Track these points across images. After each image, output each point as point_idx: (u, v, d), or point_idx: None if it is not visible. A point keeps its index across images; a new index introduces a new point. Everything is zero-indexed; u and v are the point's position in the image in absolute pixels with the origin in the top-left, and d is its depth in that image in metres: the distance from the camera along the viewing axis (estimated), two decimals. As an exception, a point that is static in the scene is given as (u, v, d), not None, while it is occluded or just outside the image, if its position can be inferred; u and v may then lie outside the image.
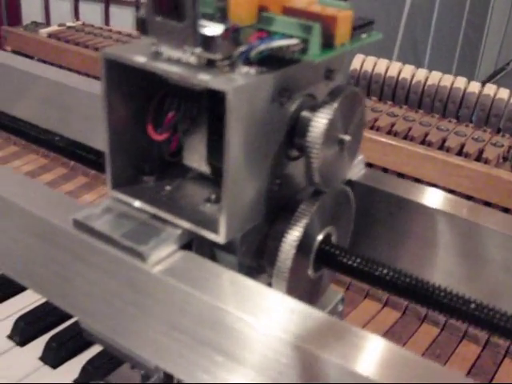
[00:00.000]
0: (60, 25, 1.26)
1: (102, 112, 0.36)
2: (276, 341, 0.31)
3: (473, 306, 0.35)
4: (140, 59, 0.33)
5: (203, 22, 0.32)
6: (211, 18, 0.33)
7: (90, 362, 0.58)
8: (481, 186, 0.77)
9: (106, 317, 0.37)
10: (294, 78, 0.36)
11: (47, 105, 0.59)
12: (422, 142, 0.85)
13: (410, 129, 0.87)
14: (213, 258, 0.38)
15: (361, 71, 0.96)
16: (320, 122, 0.35)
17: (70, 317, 0.64)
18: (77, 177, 0.98)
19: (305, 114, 0.37)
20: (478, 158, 0.82)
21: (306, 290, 0.41)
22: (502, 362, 0.68)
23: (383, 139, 0.83)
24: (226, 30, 0.32)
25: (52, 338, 0.60)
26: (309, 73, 0.37)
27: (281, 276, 0.37)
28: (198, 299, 0.33)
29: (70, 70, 1.07)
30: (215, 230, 0.35)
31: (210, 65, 0.33)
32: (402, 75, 0.93)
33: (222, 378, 0.32)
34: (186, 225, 0.36)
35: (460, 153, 0.83)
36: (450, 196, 0.45)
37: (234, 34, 0.32)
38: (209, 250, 0.38)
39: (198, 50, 0.33)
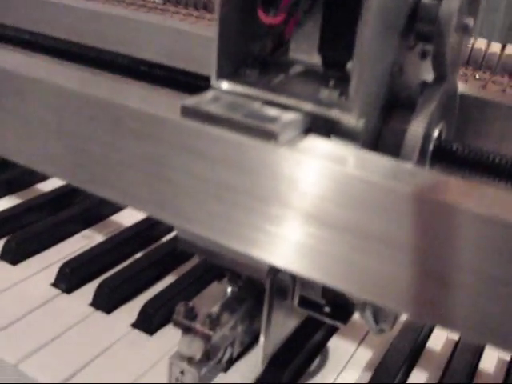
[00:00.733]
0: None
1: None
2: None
3: None
4: None
5: None
6: None
7: (149, 304, 0.55)
8: None
9: (216, 218, 0.34)
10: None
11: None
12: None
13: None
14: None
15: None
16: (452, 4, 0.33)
17: (119, 261, 0.61)
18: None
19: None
20: None
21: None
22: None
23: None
24: None
25: (103, 283, 0.56)
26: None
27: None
28: (344, 174, 0.30)
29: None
30: (348, 110, 0.32)
31: None
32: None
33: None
34: (310, 107, 0.33)
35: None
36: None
37: None
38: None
39: None
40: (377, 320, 0.44)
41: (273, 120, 0.32)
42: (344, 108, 0.32)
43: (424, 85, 0.37)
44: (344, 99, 0.33)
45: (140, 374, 0.48)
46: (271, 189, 0.32)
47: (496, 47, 0.89)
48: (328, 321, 0.47)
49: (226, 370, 0.48)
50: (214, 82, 0.36)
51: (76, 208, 0.70)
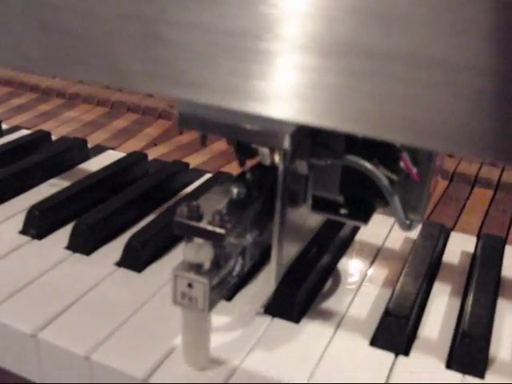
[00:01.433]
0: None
1: None
2: None
3: None
4: None
5: None
6: None
7: (135, 238, 0.48)
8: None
9: (217, 75, 0.28)
10: None
11: None
12: None
13: None
14: None
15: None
16: None
17: (93, 205, 0.53)
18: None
19: None
20: None
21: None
22: None
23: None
24: None
25: (80, 222, 0.49)
26: None
27: None
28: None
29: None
30: None
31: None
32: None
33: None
34: None
35: None
36: None
37: None
38: None
39: None
40: (405, 211, 0.39)
41: None
42: None
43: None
44: None
45: (133, 310, 0.42)
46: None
47: None
48: (347, 221, 0.41)
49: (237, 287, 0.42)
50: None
51: (42, 156, 0.62)
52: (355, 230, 0.56)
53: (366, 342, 0.41)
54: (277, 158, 0.36)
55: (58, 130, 0.77)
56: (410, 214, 0.40)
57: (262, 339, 0.40)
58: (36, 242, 0.50)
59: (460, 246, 0.55)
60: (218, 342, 0.39)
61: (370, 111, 0.25)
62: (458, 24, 0.23)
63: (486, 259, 0.50)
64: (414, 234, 0.56)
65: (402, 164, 0.37)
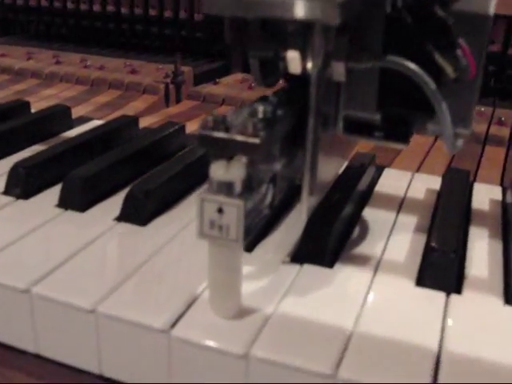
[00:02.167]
0: None
1: None
2: None
3: None
4: None
5: None
6: None
7: (137, 187, 0.42)
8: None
9: None
10: None
11: None
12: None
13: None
14: None
15: None
16: None
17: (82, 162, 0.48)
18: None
19: None
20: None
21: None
22: None
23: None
24: None
25: (72, 176, 0.43)
26: None
27: None
28: None
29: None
30: None
31: None
32: None
33: None
34: None
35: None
36: None
37: None
38: None
39: None
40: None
41: None
42: None
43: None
44: None
45: (140, 262, 0.36)
46: None
47: None
48: (384, 143, 0.36)
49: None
50: None
51: (23, 121, 0.56)
52: (373, 182, 0.51)
53: (412, 284, 0.36)
54: (309, 65, 0.31)
55: (36, 106, 0.71)
56: (458, 127, 0.35)
57: (294, 286, 0.35)
58: (21, 201, 0.44)
59: (487, 195, 0.51)
60: (243, 292, 0.33)
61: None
62: None
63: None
64: (436, 184, 0.52)
65: (459, 53, 0.32)
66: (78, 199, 0.42)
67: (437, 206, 0.47)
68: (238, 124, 0.29)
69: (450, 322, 0.32)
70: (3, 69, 0.87)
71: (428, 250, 0.36)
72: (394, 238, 0.42)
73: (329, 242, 0.37)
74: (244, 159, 0.29)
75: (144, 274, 0.35)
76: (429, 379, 0.28)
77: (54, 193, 0.45)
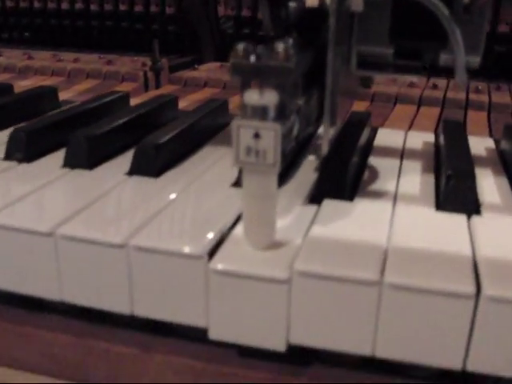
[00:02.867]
0: None
1: None
2: None
3: None
4: None
5: None
6: None
7: (147, 141, 0.42)
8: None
9: None
10: None
11: None
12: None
13: None
14: None
15: None
16: None
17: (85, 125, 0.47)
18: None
19: None
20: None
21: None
22: None
23: None
24: None
25: (77, 135, 0.43)
26: None
27: None
28: None
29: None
30: None
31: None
32: None
33: None
34: None
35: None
36: None
37: None
38: None
39: None
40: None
41: None
42: None
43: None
44: None
45: (162, 205, 0.36)
46: None
47: None
48: (398, 75, 0.37)
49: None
50: None
51: (8, 100, 0.55)
52: (372, 136, 0.52)
53: (432, 209, 0.37)
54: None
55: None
56: (467, 56, 0.36)
57: (320, 218, 0.35)
58: (24, 165, 0.43)
59: (480, 143, 0.52)
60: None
61: None
62: None
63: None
64: (431, 138, 0.54)
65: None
66: (85, 157, 0.42)
67: (437, 153, 0.48)
68: (267, 52, 0.29)
69: (477, 234, 0.33)
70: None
71: (446, 177, 0.37)
72: (404, 177, 0.43)
73: (348, 176, 0.38)
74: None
75: (168, 214, 0.35)
76: (472, 281, 0.28)
77: (56, 156, 0.44)
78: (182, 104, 0.65)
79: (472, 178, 0.37)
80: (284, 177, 0.41)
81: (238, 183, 0.39)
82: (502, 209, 0.38)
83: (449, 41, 0.34)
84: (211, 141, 0.50)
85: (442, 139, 0.47)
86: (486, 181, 0.42)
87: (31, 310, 0.36)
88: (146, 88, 0.80)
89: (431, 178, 0.42)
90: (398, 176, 0.43)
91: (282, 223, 0.34)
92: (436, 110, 0.69)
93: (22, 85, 0.76)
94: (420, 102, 0.71)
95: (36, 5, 1.01)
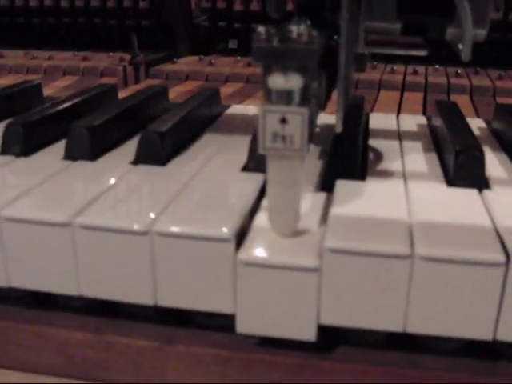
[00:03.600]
0: None
1: None
2: None
3: None
4: None
5: None
6: None
7: (151, 128, 0.41)
8: None
9: None
10: None
11: None
12: None
13: None
14: None
15: None
16: None
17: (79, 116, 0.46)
18: None
19: None
20: None
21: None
22: None
23: None
24: None
25: (77, 126, 0.42)
26: None
27: None
28: None
29: None
30: None
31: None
32: None
33: None
34: None
35: None
36: None
37: None
38: None
39: None
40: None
41: None
42: None
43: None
44: None
45: (174, 193, 0.35)
46: None
47: None
48: (405, 51, 0.37)
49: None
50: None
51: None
52: (368, 119, 0.53)
53: (444, 185, 0.37)
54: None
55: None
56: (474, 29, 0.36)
57: (337, 199, 0.35)
58: (23, 159, 0.41)
59: (473, 124, 0.53)
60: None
61: None
62: None
63: None
64: (423, 121, 0.54)
65: None
66: (88, 148, 0.41)
67: (434, 133, 0.49)
68: (288, 35, 0.28)
69: (492, 206, 0.34)
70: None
71: (455, 154, 0.37)
72: (407, 157, 0.43)
73: (359, 155, 0.38)
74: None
75: (185, 200, 0.34)
76: (501, 250, 0.29)
77: (54, 149, 0.43)
78: (170, 96, 0.64)
79: (481, 154, 0.37)
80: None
81: (247, 168, 0.39)
82: (508, 182, 0.38)
83: (456, 15, 0.35)
84: (209, 129, 0.49)
85: (440, 119, 0.48)
86: (488, 157, 0.42)
87: (44, 308, 0.35)
88: (125, 83, 0.78)
89: (434, 157, 0.43)
90: (402, 156, 0.43)
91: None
92: (419, 95, 0.70)
93: (-3, 83, 0.74)
94: (403, 88, 0.71)
95: (3, 3, 0.98)
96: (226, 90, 0.69)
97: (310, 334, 0.30)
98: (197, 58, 0.88)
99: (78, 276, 0.32)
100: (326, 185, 0.37)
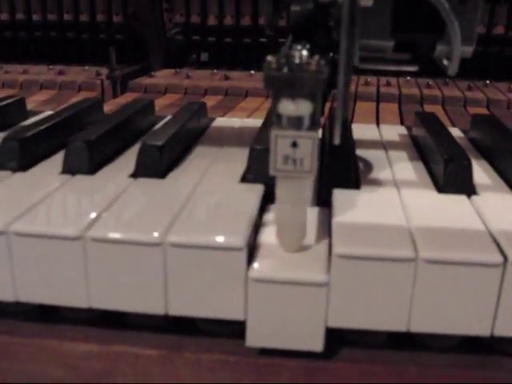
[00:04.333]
0: None
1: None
2: None
3: None
4: None
5: None
6: None
7: (148, 141, 0.42)
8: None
9: None
10: None
11: None
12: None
13: None
14: None
15: None
16: None
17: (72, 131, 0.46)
18: None
19: None
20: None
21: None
22: None
23: None
24: None
25: (74, 140, 0.42)
26: None
27: None
28: None
29: None
30: None
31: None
32: None
33: None
34: None
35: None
36: None
37: None
38: None
39: None
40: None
41: None
42: None
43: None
44: None
45: (180, 205, 0.36)
46: None
47: None
48: (397, 68, 0.39)
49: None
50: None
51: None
52: (351, 130, 0.54)
53: (434, 192, 0.39)
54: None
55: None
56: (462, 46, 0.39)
57: (337, 208, 0.36)
58: (20, 174, 0.42)
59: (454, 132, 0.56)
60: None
61: None
62: None
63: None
64: (403, 131, 0.57)
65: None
66: (87, 162, 0.41)
67: (417, 143, 0.51)
68: (297, 63, 0.30)
69: (483, 210, 0.36)
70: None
71: (444, 162, 0.39)
72: (396, 166, 0.45)
73: (353, 167, 0.39)
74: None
75: (192, 211, 0.35)
76: (498, 251, 0.31)
77: (51, 162, 0.43)
78: (152, 109, 0.65)
79: (468, 162, 0.39)
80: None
81: (245, 179, 0.40)
82: (493, 188, 0.41)
83: (445, 33, 0.37)
84: (200, 141, 0.50)
85: (423, 129, 0.50)
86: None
87: (48, 322, 0.35)
88: (103, 97, 0.79)
89: (421, 165, 0.45)
90: (390, 165, 0.45)
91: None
92: (395, 106, 0.72)
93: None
94: (378, 99, 0.74)
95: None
96: (207, 103, 0.70)
97: (318, 345, 0.31)
98: (173, 71, 0.89)
99: (88, 288, 0.33)
100: (322, 195, 0.39)
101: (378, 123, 0.62)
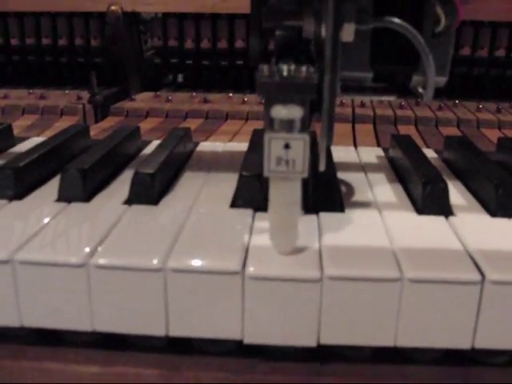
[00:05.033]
0: None
1: None
2: None
3: None
4: None
5: None
6: None
7: (141, 169, 0.43)
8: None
9: None
10: None
11: None
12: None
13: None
14: None
15: None
16: None
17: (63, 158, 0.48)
18: None
19: None
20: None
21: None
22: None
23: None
24: None
25: (69, 168, 0.43)
26: None
27: None
28: None
29: None
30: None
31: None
32: None
33: None
34: None
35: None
36: None
37: None
38: None
39: None
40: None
41: None
42: None
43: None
44: None
45: (177, 228, 0.38)
46: None
47: None
48: (376, 97, 0.42)
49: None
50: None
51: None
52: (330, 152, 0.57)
53: (414, 214, 0.42)
54: (323, 29, 0.36)
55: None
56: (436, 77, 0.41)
57: (324, 230, 0.38)
58: (16, 202, 0.43)
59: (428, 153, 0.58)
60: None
61: None
62: None
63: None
64: (380, 153, 0.59)
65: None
66: (81, 190, 0.43)
67: (393, 165, 0.54)
68: (288, 71, 0.32)
69: (460, 231, 0.38)
70: None
71: (422, 184, 0.42)
72: (376, 188, 0.47)
73: (337, 190, 0.42)
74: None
75: (187, 237, 0.37)
76: (476, 270, 0.33)
77: (45, 190, 0.45)
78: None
79: (444, 184, 0.42)
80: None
81: (235, 204, 0.42)
82: (468, 208, 0.43)
83: (420, 64, 0.40)
84: (188, 166, 0.52)
85: (398, 152, 0.53)
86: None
87: (48, 345, 0.37)
88: (85, 121, 0.80)
89: (399, 187, 0.47)
90: (370, 187, 0.47)
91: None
92: (370, 126, 0.75)
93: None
94: (354, 120, 0.77)
95: None
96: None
97: (311, 341, 0.33)
98: (152, 94, 0.90)
99: (92, 312, 0.34)
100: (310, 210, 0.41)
101: (355, 145, 0.65)
